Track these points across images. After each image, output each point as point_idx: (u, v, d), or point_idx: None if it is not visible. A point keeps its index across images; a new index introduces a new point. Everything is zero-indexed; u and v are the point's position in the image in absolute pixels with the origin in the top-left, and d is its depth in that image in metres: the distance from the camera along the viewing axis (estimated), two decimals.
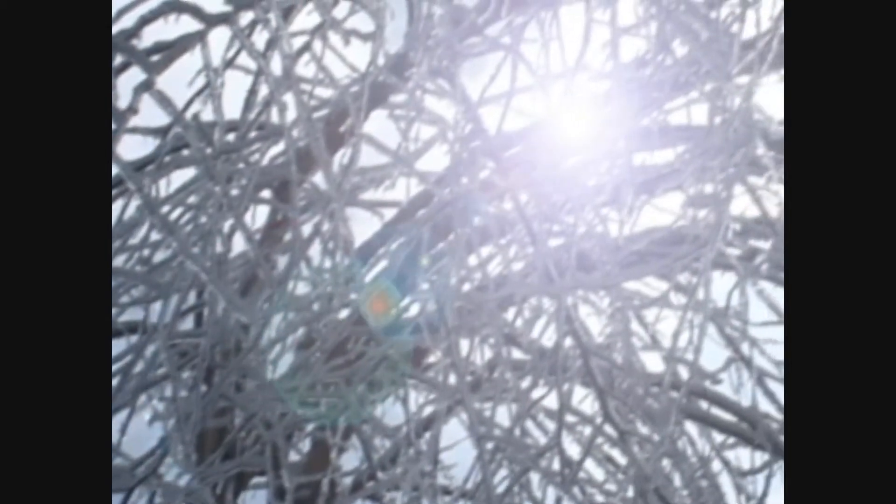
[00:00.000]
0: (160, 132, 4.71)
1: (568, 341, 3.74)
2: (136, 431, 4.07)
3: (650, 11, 3.70)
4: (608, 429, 3.73)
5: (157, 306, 3.94)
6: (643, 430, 3.84)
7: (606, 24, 3.72)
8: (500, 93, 4.45)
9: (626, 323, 4.18)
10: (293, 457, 4.49)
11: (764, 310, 4.65)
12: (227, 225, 3.92)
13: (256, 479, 4.42)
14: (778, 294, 4.46)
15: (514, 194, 3.90)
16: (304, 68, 4.34)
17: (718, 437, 4.75)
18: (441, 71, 4.13)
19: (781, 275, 3.92)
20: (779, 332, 4.61)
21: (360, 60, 4.46)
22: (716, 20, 3.70)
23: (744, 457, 4.74)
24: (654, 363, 4.65)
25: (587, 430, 4.14)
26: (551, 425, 4.27)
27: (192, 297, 4.54)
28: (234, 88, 4.50)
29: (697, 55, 3.60)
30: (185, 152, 4.41)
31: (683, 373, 4.47)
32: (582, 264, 4.01)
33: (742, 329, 4.60)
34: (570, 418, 4.02)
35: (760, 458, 4.42)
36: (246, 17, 4.21)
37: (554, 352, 3.68)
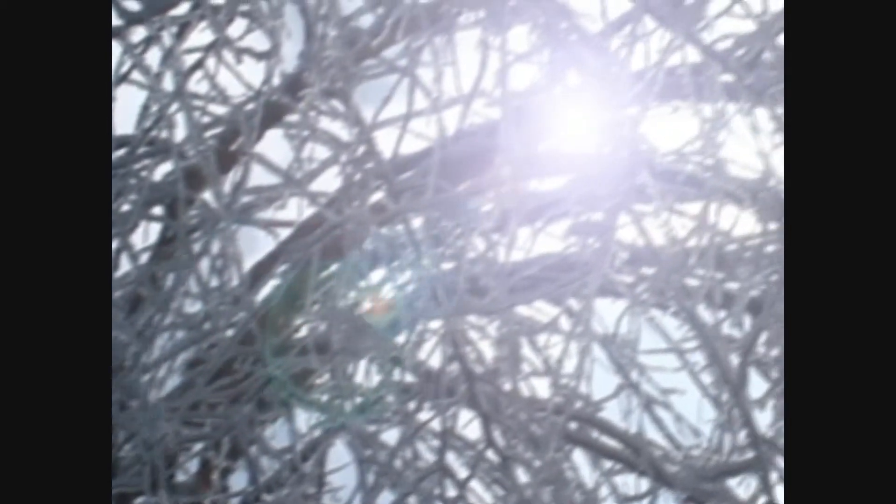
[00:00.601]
0: None
1: (455, 366, 3.76)
2: None
3: (542, 39, 3.73)
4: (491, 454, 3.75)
5: None
6: (527, 455, 3.86)
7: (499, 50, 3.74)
8: (396, 116, 4.49)
9: (515, 348, 4.20)
10: (181, 477, 4.46)
11: (655, 337, 4.72)
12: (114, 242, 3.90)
13: (139, 501, 4.39)
14: (667, 321, 4.51)
15: (406, 217, 3.92)
16: (198, 85, 4.33)
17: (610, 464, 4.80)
18: (336, 92, 4.14)
19: (667, 302, 3.95)
20: (668, 360, 4.67)
21: (259, 79, 4.47)
22: (607, 50, 3.75)
23: (631, 483, 4.80)
24: (545, 389, 4.69)
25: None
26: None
27: None
28: (128, 104, 4.47)
29: (588, 84, 3.64)
30: None
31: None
32: (472, 289, 4.03)
33: (631, 356, 4.65)
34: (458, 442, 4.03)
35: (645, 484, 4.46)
36: (140, 33, 4.19)
37: (438, 376, 3.69)
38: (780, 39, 3.71)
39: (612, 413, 4.95)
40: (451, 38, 4.11)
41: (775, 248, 3.91)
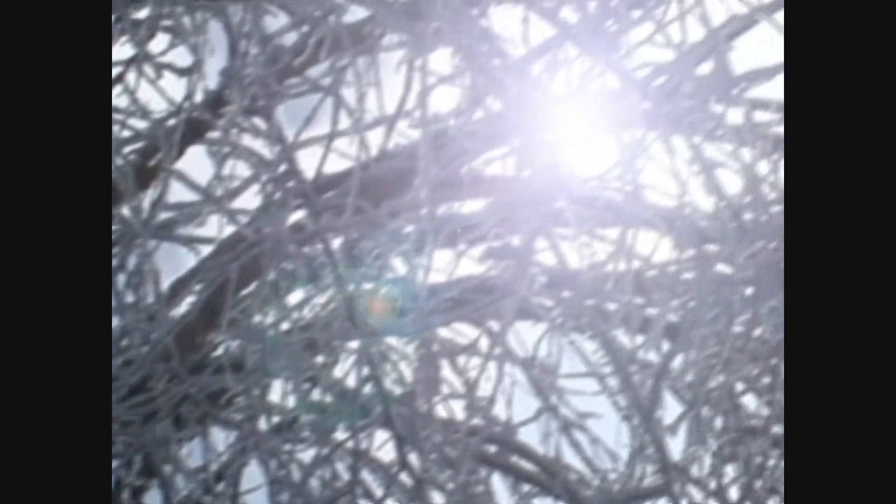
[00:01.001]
0: None
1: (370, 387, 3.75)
2: None
3: (465, 63, 3.74)
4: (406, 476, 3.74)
5: None
6: (442, 477, 3.86)
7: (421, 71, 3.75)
8: (319, 135, 4.48)
9: (436, 370, 4.20)
10: None
11: (576, 360, 4.74)
12: None
13: None
14: (586, 345, 4.53)
15: (325, 237, 3.91)
16: (118, 99, 4.30)
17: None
18: (258, 110, 4.13)
19: (583, 326, 3.97)
20: (587, 384, 4.69)
21: (181, 95, 4.44)
22: (528, 76, 3.76)
23: None
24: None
25: None
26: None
27: None
28: None
29: (508, 109, 3.65)
30: None
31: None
32: (392, 309, 4.02)
33: (550, 379, 4.66)
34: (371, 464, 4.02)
35: None
36: None
37: (354, 397, 3.69)
38: (700, 69, 3.75)
39: (531, 436, 4.99)
40: (374, 58, 4.13)
41: (693, 274, 3.94)
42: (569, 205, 3.57)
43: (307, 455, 4.17)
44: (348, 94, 4.33)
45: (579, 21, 3.71)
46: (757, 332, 3.67)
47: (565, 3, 3.79)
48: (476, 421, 3.84)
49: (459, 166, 3.91)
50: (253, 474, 4.13)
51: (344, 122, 4.33)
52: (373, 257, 3.79)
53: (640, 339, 4.07)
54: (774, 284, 3.45)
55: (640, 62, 3.87)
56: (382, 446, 3.95)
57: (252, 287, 4.01)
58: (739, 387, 4.10)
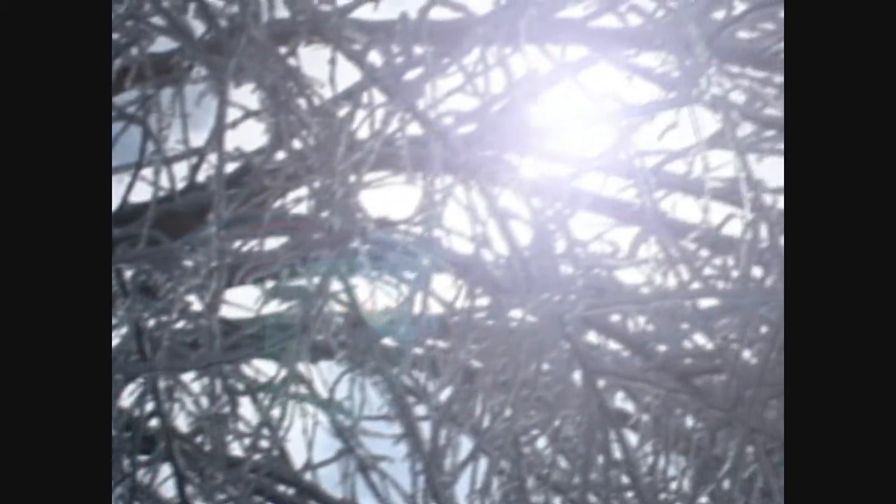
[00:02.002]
0: None
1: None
2: None
3: (270, 100, 3.75)
4: None
5: None
6: None
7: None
8: (124, 164, 4.44)
9: (233, 406, 4.18)
10: None
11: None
12: None
13: None
14: (383, 387, 4.55)
15: (119, 268, 3.87)
16: None
17: None
18: None
19: (382, 366, 3.98)
20: (386, 427, 4.71)
21: None
22: (332, 117, 3.79)
23: None
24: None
25: None
26: None
27: None
28: None
29: (307, 150, 3.67)
30: None
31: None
32: (188, 343, 4.00)
33: (352, 421, 4.67)
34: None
35: None
36: None
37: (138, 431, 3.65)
38: (501, 118, 3.81)
39: (332, 476, 5.00)
40: (180, 90, 4.12)
41: (493, 322, 3.98)
42: (364, 247, 3.60)
43: None
44: (155, 123, 4.32)
45: (384, 66, 3.76)
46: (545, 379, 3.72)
47: (373, 47, 3.84)
48: (258, 458, 3.82)
49: (260, 203, 3.91)
50: None
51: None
52: (165, 290, 3.76)
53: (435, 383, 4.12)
54: (558, 334, 3.51)
55: (445, 110, 3.95)
56: (164, 482, 3.91)
57: None
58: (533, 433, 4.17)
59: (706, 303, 3.89)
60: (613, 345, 4.14)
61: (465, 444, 4.24)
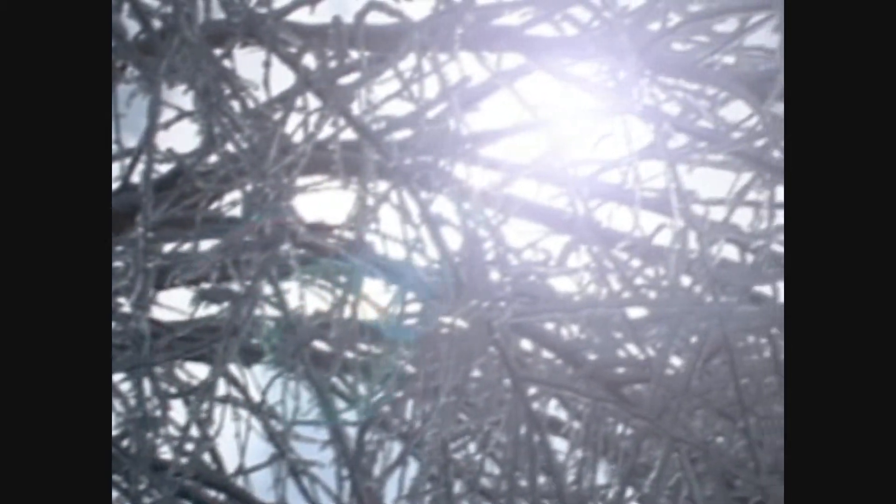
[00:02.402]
0: None
1: None
2: None
3: (203, 102, 3.74)
4: None
5: None
6: None
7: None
8: None
9: (164, 409, 4.16)
10: None
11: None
12: None
13: None
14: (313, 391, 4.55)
15: None
16: None
17: None
18: None
19: (314, 371, 3.98)
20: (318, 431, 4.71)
21: None
22: (266, 120, 3.79)
23: None
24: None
25: None
26: None
27: None
28: None
29: (240, 153, 3.66)
30: None
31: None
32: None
33: (285, 425, 4.66)
34: None
35: None
36: None
37: None
38: (435, 124, 3.82)
39: (265, 481, 4.99)
40: (114, 89, 4.08)
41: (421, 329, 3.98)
42: (294, 250, 3.59)
43: None
44: None
45: (318, 69, 3.75)
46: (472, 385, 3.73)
47: (308, 50, 3.83)
48: (185, 461, 3.80)
49: (191, 205, 3.90)
50: None
51: None
52: None
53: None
54: (486, 341, 3.52)
55: (380, 115, 3.95)
56: None
57: None
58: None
59: (637, 312, 3.92)
60: (547, 353, 4.17)
61: (397, 450, 4.28)
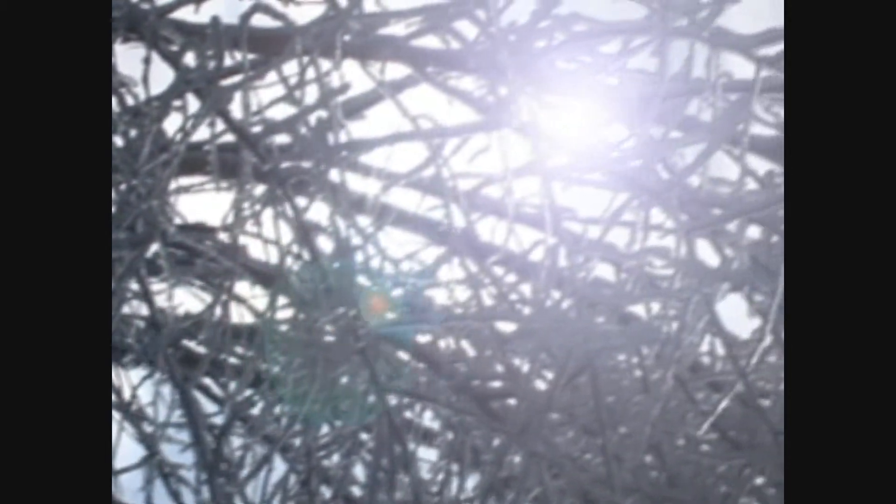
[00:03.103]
0: None
1: None
2: None
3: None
4: None
5: None
6: None
7: None
8: None
9: None
10: None
11: None
12: None
13: None
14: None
15: None
16: None
17: None
18: None
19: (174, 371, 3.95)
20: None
21: None
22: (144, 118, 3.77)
23: None
24: None
25: None
26: None
27: None
28: None
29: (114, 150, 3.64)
30: None
31: None
32: None
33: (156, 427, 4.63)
34: None
35: None
36: None
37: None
38: (314, 129, 3.81)
39: (136, 482, 4.96)
40: None
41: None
42: (163, 252, 3.57)
43: None
44: None
45: (197, 69, 3.73)
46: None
47: (189, 49, 3.81)
48: None
49: None
50: None
51: None
52: None
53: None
54: (350, 350, 3.53)
55: (259, 118, 3.93)
56: None
57: None
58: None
59: (508, 327, 3.94)
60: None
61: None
